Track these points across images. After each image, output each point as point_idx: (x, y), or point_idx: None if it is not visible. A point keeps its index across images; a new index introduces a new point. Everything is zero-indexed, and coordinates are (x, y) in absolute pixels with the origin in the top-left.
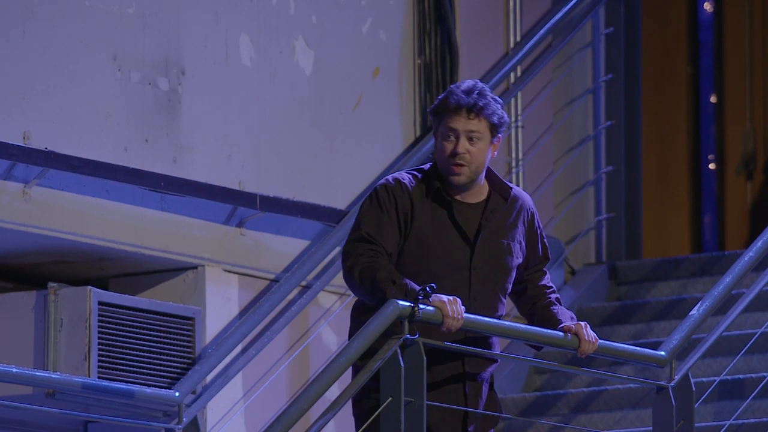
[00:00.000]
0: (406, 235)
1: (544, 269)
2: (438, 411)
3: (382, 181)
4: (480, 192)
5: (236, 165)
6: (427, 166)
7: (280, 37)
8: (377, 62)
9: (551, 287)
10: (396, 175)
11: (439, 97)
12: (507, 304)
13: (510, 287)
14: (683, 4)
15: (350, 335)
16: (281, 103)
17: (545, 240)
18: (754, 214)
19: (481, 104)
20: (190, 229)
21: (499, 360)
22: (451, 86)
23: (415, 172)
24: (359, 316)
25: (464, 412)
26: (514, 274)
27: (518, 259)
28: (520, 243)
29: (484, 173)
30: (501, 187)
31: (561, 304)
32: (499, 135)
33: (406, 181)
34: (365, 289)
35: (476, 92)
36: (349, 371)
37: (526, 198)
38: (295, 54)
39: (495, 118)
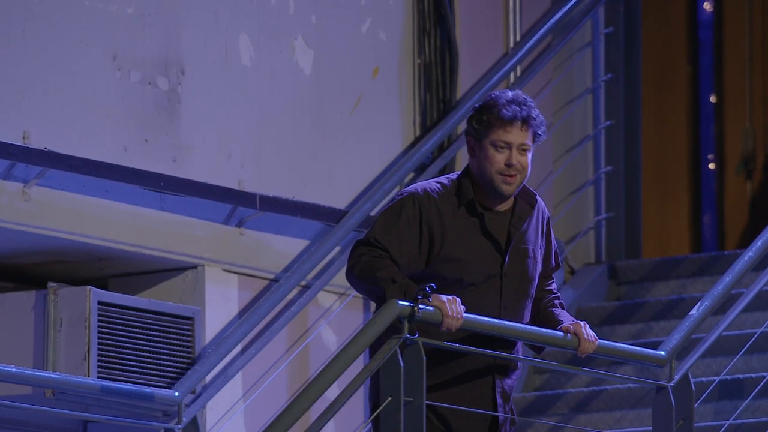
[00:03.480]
0: (437, 247)
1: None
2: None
3: (411, 188)
4: (508, 200)
5: (236, 165)
6: (454, 175)
7: (280, 36)
8: (377, 62)
9: (556, 293)
10: (425, 185)
11: (482, 106)
12: None
13: (533, 295)
14: (683, 4)
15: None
16: (281, 103)
17: (557, 248)
18: (754, 213)
19: (534, 116)
20: (189, 229)
21: (520, 367)
22: (494, 95)
23: (444, 182)
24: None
25: (492, 420)
26: (537, 280)
27: (540, 265)
28: (540, 249)
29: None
30: (527, 195)
31: (564, 309)
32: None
33: (435, 193)
34: (366, 287)
35: (524, 103)
36: (349, 371)
37: (542, 203)
38: (295, 54)
39: (541, 130)
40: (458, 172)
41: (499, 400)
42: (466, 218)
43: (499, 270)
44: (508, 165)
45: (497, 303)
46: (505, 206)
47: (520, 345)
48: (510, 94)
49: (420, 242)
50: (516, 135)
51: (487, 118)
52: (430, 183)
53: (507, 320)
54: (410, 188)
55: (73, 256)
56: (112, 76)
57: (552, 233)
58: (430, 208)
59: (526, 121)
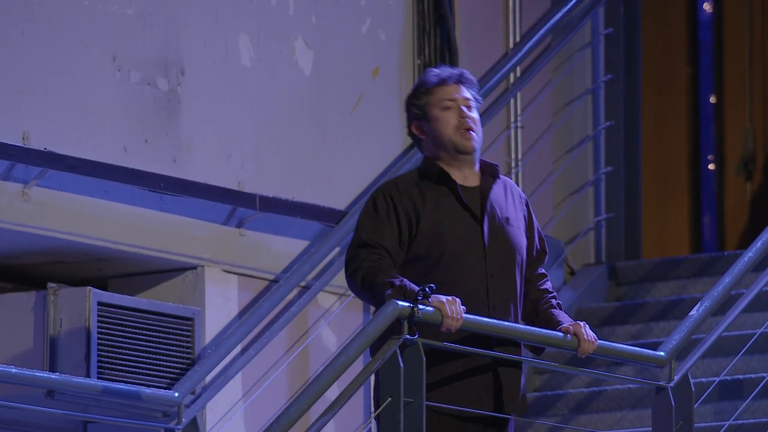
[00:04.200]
0: (414, 228)
1: (545, 272)
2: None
3: (377, 188)
4: (476, 176)
5: (236, 165)
6: (415, 168)
7: (280, 37)
8: (377, 62)
9: (552, 292)
10: (389, 180)
11: (417, 84)
12: None
13: (525, 263)
14: (683, 4)
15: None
16: (281, 103)
17: (541, 232)
18: (754, 214)
19: (466, 74)
20: (189, 230)
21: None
22: (426, 71)
23: (407, 174)
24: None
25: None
26: (524, 248)
27: (524, 236)
28: (522, 222)
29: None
30: (488, 166)
31: (562, 309)
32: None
33: (401, 183)
34: (367, 293)
35: (454, 68)
36: (349, 371)
37: (515, 186)
38: (295, 54)
39: (476, 89)
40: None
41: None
42: (437, 194)
43: (480, 240)
44: (462, 117)
45: (484, 271)
46: (473, 182)
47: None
48: (436, 68)
49: (399, 228)
50: (457, 91)
51: (425, 89)
52: (393, 178)
53: (497, 289)
54: (376, 188)
55: (72, 256)
56: (112, 76)
57: (533, 215)
58: (399, 195)
59: (460, 79)
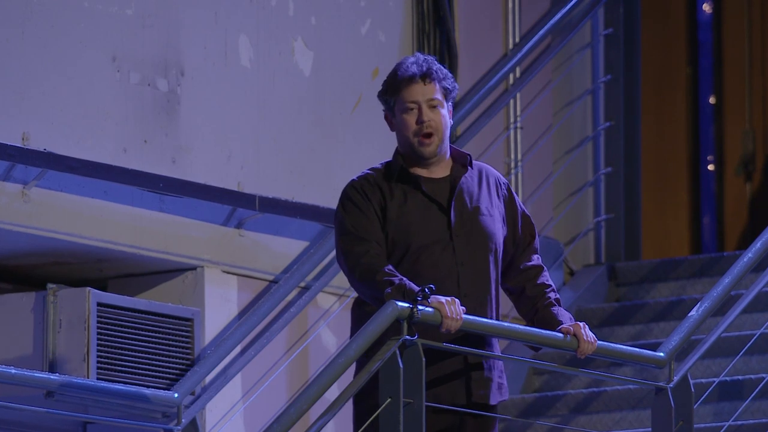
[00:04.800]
0: (385, 222)
1: (542, 264)
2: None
3: (347, 184)
4: (446, 166)
5: (235, 166)
6: (385, 161)
7: (280, 37)
8: (376, 63)
9: (550, 285)
10: (357, 175)
11: (389, 75)
12: (507, 305)
13: (499, 251)
14: (682, 5)
15: (352, 329)
16: (280, 104)
17: (529, 217)
18: (753, 214)
19: (434, 69)
20: (189, 230)
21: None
22: (396, 65)
23: (377, 166)
24: (359, 309)
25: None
26: (499, 237)
27: (500, 224)
28: (499, 210)
29: (448, 144)
30: (460, 156)
31: (560, 305)
32: (451, 100)
33: (369, 176)
34: (366, 291)
35: (424, 61)
36: (349, 372)
37: (494, 171)
38: (295, 55)
39: (448, 83)
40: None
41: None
42: (403, 189)
43: (447, 230)
44: (420, 122)
45: (452, 260)
46: (442, 173)
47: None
48: (411, 58)
49: (379, 220)
50: (420, 91)
51: (391, 85)
52: (361, 172)
53: (468, 277)
54: (346, 184)
55: (72, 257)
56: (112, 77)
57: (516, 199)
58: (370, 188)
59: (427, 75)
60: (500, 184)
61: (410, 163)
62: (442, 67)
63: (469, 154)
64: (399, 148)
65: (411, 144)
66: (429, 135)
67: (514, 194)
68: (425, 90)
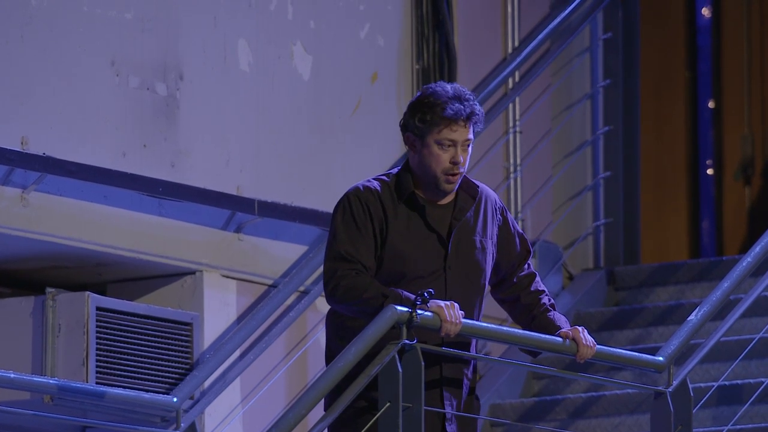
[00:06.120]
0: (383, 242)
1: (534, 271)
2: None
3: (351, 188)
4: (451, 193)
5: (234, 170)
6: (394, 170)
7: (279, 42)
8: (375, 67)
9: (544, 291)
10: (365, 182)
11: (423, 102)
12: (502, 314)
13: (486, 287)
14: (681, 9)
15: (327, 342)
16: (279, 108)
17: (522, 234)
18: (752, 219)
19: (476, 112)
20: (188, 235)
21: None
22: (434, 91)
23: (383, 178)
24: (333, 320)
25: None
26: (488, 272)
27: (491, 256)
28: (492, 239)
29: None
30: (468, 186)
31: (555, 309)
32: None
33: (376, 189)
34: (353, 309)
35: (467, 99)
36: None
37: (492, 194)
38: (294, 59)
39: (481, 124)
40: (398, 168)
41: (445, 393)
42: (407, 212)
43: (442, 263)
44: (454, 163)
45: (443, 296)
46: (447, 199)
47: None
48: (450, 89)
49: (375, 240)
50: (460, 132)
51: (431, 117)
52: (370, 180)
53: None
54: (351, 188)
55: (71, 261)
56: (111, 81)
57: (511, 220)
58: (374, 203)
59: (469, 118)
60: (496, 209)
61: (418, 184)
62: (479, 106)
63: (479, 186)
64: (413, 168)
65: (435, 177)
66: (456, 174)
67: (509, 217)
68: (464, 131)
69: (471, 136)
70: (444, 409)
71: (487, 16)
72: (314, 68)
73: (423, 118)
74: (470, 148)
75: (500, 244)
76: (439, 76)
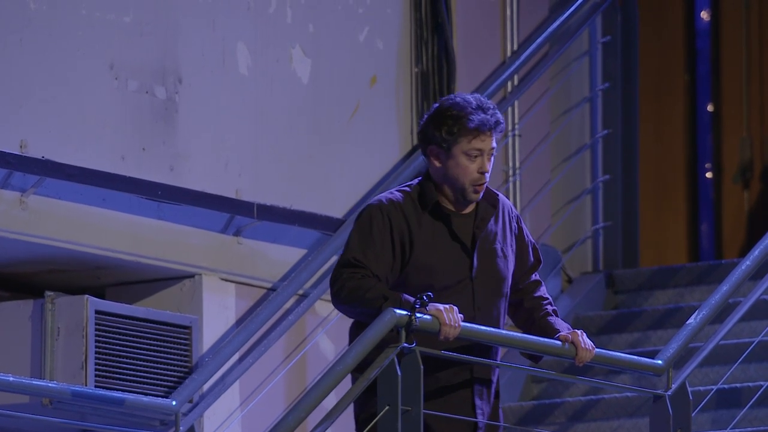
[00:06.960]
0: (407, 255)
1: (540, 279)
2: (446, 421)
3: (374, 201)
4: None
5: (233, 173)
6: (415, 182)
7: (277, 45)
8: (374, 71)
9: (547, 298)
10: (388, 195)
11: (447, 114)
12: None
13: (508, 294)
14: (680, 13)
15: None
16: (278, 112)
17: (534, 243)
18: (752, 222)
19: (500, 121)
20: (186, 238)
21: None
22: (457, 102)
23: (406, 189)
24: (357, 330)
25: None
26: (510, 279)
27: (512, 264)
28: (511, 246)
29: None
30: (488, 195)
31: (558, 316)
32: None
33: (399, 201)
34: (357, 311)
35: (490, 109)
36: (347, 380)
37: (507, 202)
38: (292, 62)
39: (502, 133)
40: (418, 179)
41: (477, 402)
42: (432, 223)
43: (468, 273)
44: (481, 173)
45: (471, 305)
46: (468, 208)
47: (498, 349)
48: (473, 100)
49: (393, 252)
50: (487, 142)
51: (458, 129)
52: (392, 192)
53: (482, 321)
54: (374, 200)
55: (70, 265)
56: (110, 84)
57: (525, 230)
58: (397, 216)
59: (495, 127)
60: (512, 217)
61: (440, 194)
62: (499, 113)
63: (498, 195)
64: (435, 178)
65: (463, 188)
66: (482, 184)
67: (523, 226)
68: (490, 140)
69: (495, 144)
70: (476, 418)
71: (486, 19)
72: (313, 72)
73: (450, 130)
74: (493, 157)
75: (516, 253)
76: (438, 79)
